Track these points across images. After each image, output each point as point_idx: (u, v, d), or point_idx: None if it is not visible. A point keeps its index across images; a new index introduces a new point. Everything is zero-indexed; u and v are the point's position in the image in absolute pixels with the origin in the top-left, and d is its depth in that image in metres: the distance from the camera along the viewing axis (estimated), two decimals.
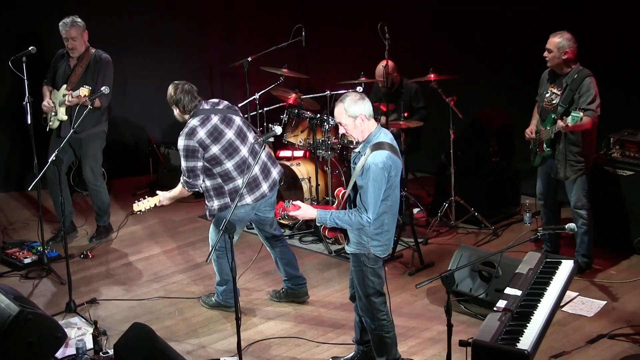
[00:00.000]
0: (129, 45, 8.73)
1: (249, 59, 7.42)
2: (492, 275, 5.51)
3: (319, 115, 7.15)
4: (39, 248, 6.69)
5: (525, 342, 4.15)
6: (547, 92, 6.07)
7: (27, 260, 6.60)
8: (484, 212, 7.21)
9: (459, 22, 8.30)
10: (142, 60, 8.87)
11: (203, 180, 5.45)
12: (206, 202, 5.54)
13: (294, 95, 7.54)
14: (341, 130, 4.62)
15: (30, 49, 6.38)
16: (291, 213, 4.67)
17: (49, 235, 7.10)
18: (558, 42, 5.85)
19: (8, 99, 8.14)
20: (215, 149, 5.35)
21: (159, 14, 8.93)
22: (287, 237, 6.15)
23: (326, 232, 4.73)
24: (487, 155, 7.52)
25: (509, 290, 4.59)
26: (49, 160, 5.84)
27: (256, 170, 5.51)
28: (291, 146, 7.56)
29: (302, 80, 9.19)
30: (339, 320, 5.70)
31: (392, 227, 4.66)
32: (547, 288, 4.67)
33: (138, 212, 5.62)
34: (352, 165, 4.68)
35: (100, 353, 5.13)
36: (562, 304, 5.55)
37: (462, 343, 4.21)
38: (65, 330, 5.16)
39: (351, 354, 5.13)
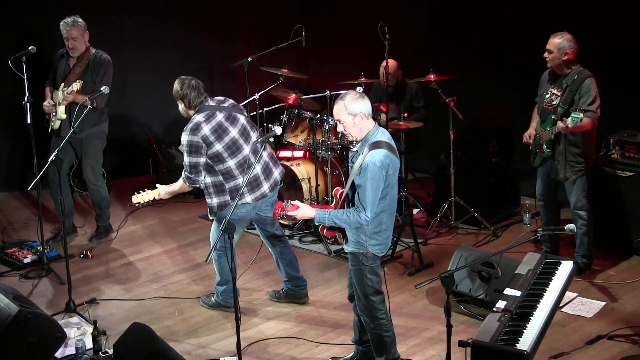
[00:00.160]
0: (129, 45, 8.73)
1: (249, 59, 7.42)
2: (491, 275, 5.51)
3: (318, 115, 7.15)
4: (38, 248, 6.69)
5: (525, 342, 4.15)
6: (547, 93, 6.07)
7: (26, 260, 6.60)
8: (483, 213, 7.21)
9: (459, 22, 8.30)
10: (142, 60, 8.87)
11: (204, 177, 5.45)
12: (205, 198, 5.54)
13: (293, 95, 7.54)
14: (339, 128, 4.63)
15: (30, 48, 6.38)
16: (290, 213, 4.68)
17: (49, 235, 7.11)
18: (558, 42, 5.85)
19: (8, 98, 8.14)
20: (218, 146, 5.35)
21: (159, 14, 8.93)
22: (287, 238, 6.13)
23: (324, 231, 4.74)
24: (487, 155, 7.52)
25: (508, 291, 4.59)
26: (49, 160, 5.84)
27: (258, 169, 5.51)
28: (291, 146, 7.57)
29: (302, 81, 9.19)
30: (339, 320, 5.70)
31: (390, 225, 4.67)
32: (547, 289, 4.67)
33: (137, 204, 5.62)
34: (349, 164, 4.70)
35: (100, 353, 5.13)
36: (561, 305, 5.55)
37: (462, 343, 4.22)
38: (65, 330, 5.16)
39: (351, 354, 5.13)
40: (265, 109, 7.71)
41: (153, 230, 7.55)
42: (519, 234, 6.97)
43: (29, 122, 6.44)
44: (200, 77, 5.61)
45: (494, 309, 4.42)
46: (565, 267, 4.89)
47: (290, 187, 7.39)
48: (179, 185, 5.56)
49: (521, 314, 4.40)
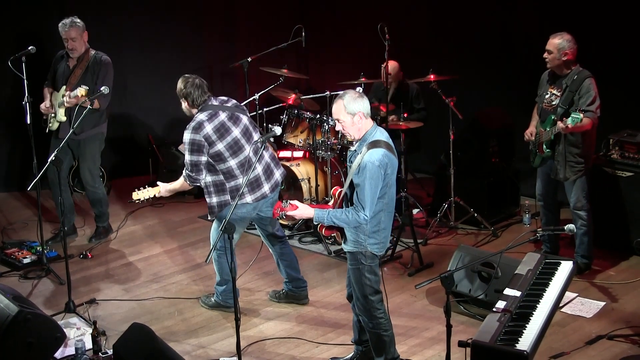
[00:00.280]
0: (129, 45, 8.73)
1: (249, 59, 7.42)
2: (491, 276, 5.51)
3: (318, 115, 7.15)
4: (38, 248, 6.69)
5: (525, 342, 4.15)
6: (547, 93, 6.07)
7: (26, 260, 6.60)
8: (483, 213, 7.20)
9: (459, 22, 8.30)
10: (142, 60, 8.87)
11: (205, 176, 5.45)
12: (205, 197, 5.54)
13: (293, 95, 7.54)
14: (338, 127, 4.64)
15: (29, 48, 6.38)
16: (289, 213, 4.70)
17: (49, 236, 7.10)
18: (558, 43, 5.85)
19: (8, 99, 8.14)
20: (220, 146, 5.35)
21: (159, 14, 8.93)
22: (287, 238, 6.12)
23: (323, 230, 4.75)
24: (486, 155, 7.52)
25: (508, 291, 4.58)
26: (49, 161, 5.84)
27: (258, 170, 5.51)
28: (291, 147, 7.56)
29: (302, 81, 9.19)
30: (339, 320, 5.70)
31: (389, 224, 4.68)
32: (547, 289, 4.67)
33: (137, 201, 5.61)
34: (348, 163, 4.71)
35: (100, 353, 5.13)
36: (561, 305, 5.55)
37: (462, 343, 4.21)
38: (65, 330, 5.15)
39: (350, 354, 5.13)
40: (265, 109, 7.71)
41: (153, 230, 7.55)
42: (519, 234, 6.96)
43: (28, 122, 6.43)
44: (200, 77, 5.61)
45: (494, 309, 4.42)
46: (565, 267, 4.89)
47: (290, 187, 7.39)
48: (179, 183, 5.56)
49: (521, 314, 4.40)
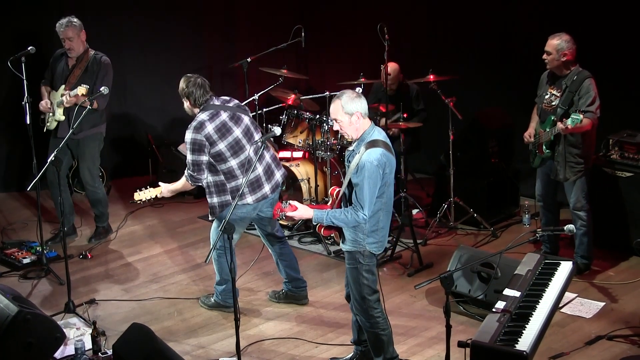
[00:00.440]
0: (129, 45, 8.73)
1: (249, 59, 7.42)
2: (491, 276, 5.51)
3: (318, 116, 7.15)
4: (37, 248, 6.69)
5: (524, 343, 4.15)
6: (547, 94, 6.06)
7: (26, 261, 6.60)
8: (483, 213, 7.20)
9: (458, 23, 8.30)
10: (142, 60, 8.88)
11: (206, 175, 5.45)
12: (207, 197, 5.54)
13: (293, 96, 7.54)
14: (335, 127, 4.65)
15: (29, 49, 6.37)
16: (288, 213, 4.71)
17: (48, 236, 7.10)
18: (557, 44, 5.84)
19: (7, 99, 8.14)
20: (221, 146, 5.35)
21: (159, 14, 8.93)
22: (287, 238, 6.12)
23: (322, 230, 4.76)
24: (486, 155, 7.52)
25: (507, 292, 4.58)
26: (48, 161, 5.84)
27: (259, 170, 5.51)
28: (290, 147, 7.57)
29: (302, 81, 9.19)
30: (338, 320, 5.70)
31: (387, 224, 4.69)
32: (546, 289, 4.67)
33: (138, 202, 5.61)
34: (346, 163, 4.71)
35: (99, 353, 5.13)
36: (561, 305, 5.55)
37: (461, 344, 4.21)
38: (64, 330, 5.15)
39: (350, 355, 5.14)
40: (264, 110, 7.70)
41: (153, 230, 7.55)
42: (519, 235, 6.96)
43: (28, 122, 6.42)
44: None
45: (494, 310, 4.42)
46: (565, 268, 4.89)
47: (289, 187, 7.39)
48: (181, 183, 5.56)
49: (520, 314, 4.40)
